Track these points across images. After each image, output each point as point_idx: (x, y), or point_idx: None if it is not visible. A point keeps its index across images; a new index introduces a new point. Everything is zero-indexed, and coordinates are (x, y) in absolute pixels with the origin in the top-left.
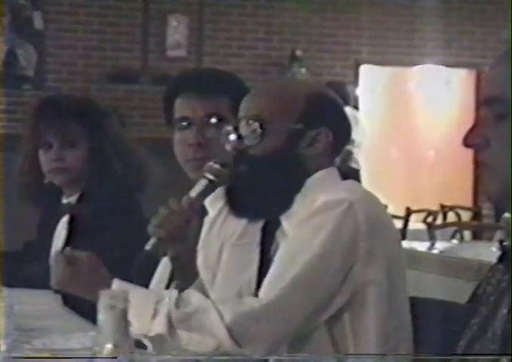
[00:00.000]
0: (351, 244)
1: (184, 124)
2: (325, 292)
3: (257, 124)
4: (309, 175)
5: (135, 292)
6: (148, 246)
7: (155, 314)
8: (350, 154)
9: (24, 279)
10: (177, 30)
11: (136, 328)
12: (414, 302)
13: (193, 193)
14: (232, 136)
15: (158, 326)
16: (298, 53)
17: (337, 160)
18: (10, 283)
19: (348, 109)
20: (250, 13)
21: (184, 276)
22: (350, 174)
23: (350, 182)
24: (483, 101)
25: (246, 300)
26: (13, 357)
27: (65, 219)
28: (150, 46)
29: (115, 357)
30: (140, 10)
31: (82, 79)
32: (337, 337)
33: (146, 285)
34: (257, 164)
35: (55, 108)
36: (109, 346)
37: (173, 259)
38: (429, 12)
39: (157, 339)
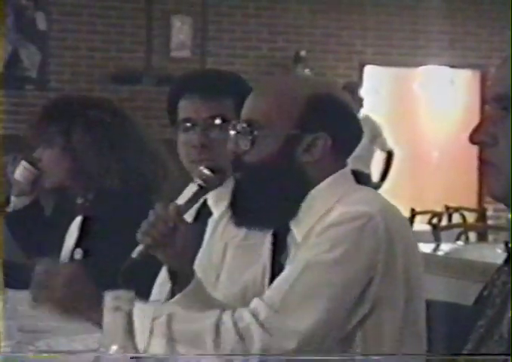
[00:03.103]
0: (371, 259)
1: (188, 125)
2: (343, 306)
3: (248, 129)
4: (311, 181)
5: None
6: (134, 254)
7: (151, 332)
8: None
9: (28, 280)
10: (180, 31)
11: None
12: None
13: (182, 199)
14: (230, 141)
15: (156, 346)
16: (302, 53)
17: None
18: (14, 285)
19: (373, 118)
20: (254, 14)
21: (178, 280)
22: (360, 178)
23: (367, 191)
24: (491, 98)
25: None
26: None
27: (78, 219)
28: (154, 46)
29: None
30: (143, 10)
31: (86, 80)
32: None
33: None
34: (254, 170)
35: (41, 110)
36: (114, 347)
37: (165, 264)
38: (433, 13)
39: None
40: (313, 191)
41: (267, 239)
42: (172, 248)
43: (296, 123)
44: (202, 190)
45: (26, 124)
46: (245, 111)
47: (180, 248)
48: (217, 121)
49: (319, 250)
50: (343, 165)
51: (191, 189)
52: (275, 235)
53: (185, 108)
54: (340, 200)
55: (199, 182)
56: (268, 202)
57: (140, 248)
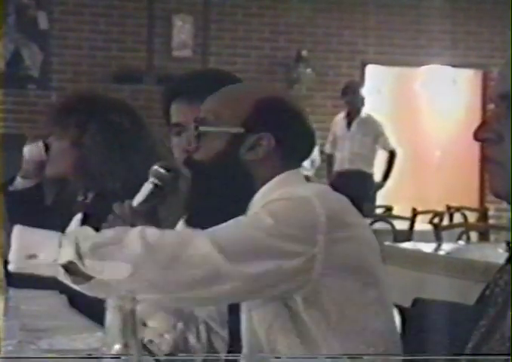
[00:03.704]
0: (308, 237)
1: (178, 129)
2: (268, 266)
3: (194, 127)
4: (256, 180)
5: (40, 230)
6: None
7: (60, 245)
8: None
9: (30, 279)
10: (182, 30)
11: (41, 258)
12: (421, 303)
13: (139, 198)
14: (181, 140)
15: (65, 255)
16: (304, 53)
17: (308, 165)
18: (16, 284)
19: (375, 117)
20: (255, 13)
21: None
22: (362, 178)
23: (311, 184)
24: (498, 96)
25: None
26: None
27: (79, 217)
28: (156, 46)
29: (119, 357)
30: (144, 10)
31: (87, 79)
32: (298, 321)
33: None
34: (202, 168)
35: (64, 101)
36: (117, 347)
37: None
38: (435, 12)
39: (67, 267)
40: (261, 190)
41: None
42: None
43: (241, 123)
44: (157, 188)
45: (47, 110)
46: (200, 112)
47: None
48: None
49: (253, 217)
50: (294, 167)
51: (147, 188)
52: None
53: (175, 112)
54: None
55: (155, 181)
56: (217, 199)
57: None
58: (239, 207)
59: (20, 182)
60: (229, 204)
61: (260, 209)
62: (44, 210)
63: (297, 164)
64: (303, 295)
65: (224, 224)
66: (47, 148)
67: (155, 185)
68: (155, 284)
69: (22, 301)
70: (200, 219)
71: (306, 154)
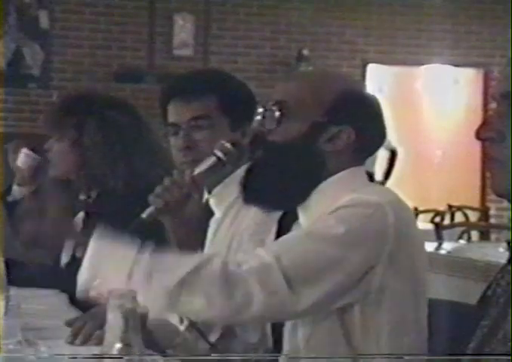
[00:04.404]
0: (376, 246)
1: (174, 129)
2: (333, 282)
3: (276, 109)
4: (327, 171)
5: (113, 248)
6: (144, 215)
7: (130, 275)
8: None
9: (31, 278)
10: (183, 29)
11: (112, 284)
12: None
13: (199, 169)
14: (257, 118)
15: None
16: (305, 52)
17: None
18: (18, 283)
19: None
20: (257, 13)
21: (183, 250)
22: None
23: (379, 186)
24: (501, 95)
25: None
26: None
27: (81, 216)
28: (156, 45)
29: (120, 357)
30: (146, 9)
31: (88, 78)
32: (349, 329)
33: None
34: (275, 150)
35: (61, 102)
36: (118, 345)
37: (170, 232)
38: (437, 11)
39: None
40: (327, 181)
41: (273, 228)
42: (179, 215)
43: (324, 112)
44: (220, 162)
45: (44, 113)
46: (276, 93)
47: (189, 215)
48: (200, 122)
49: (322, 224)
50: (361, 163)
51: (209, 160)
52: (280, 224)
53: (171, 113)
54: (353, 190)
55: (219, 154)
56: (282, 183)
57: (150, 209)
58: (301, 194)
59: (16, 191)
60: (291, 189)
61: (329, 216)
62: (45, 217)
63: (363, 161)
64: (361, 307)
65: (293, 237)
66: (34, 151)
67: (218, 159)
68: (228, 316)
69: (22, 300)
70: (258, 199)
71: (375, 151)
